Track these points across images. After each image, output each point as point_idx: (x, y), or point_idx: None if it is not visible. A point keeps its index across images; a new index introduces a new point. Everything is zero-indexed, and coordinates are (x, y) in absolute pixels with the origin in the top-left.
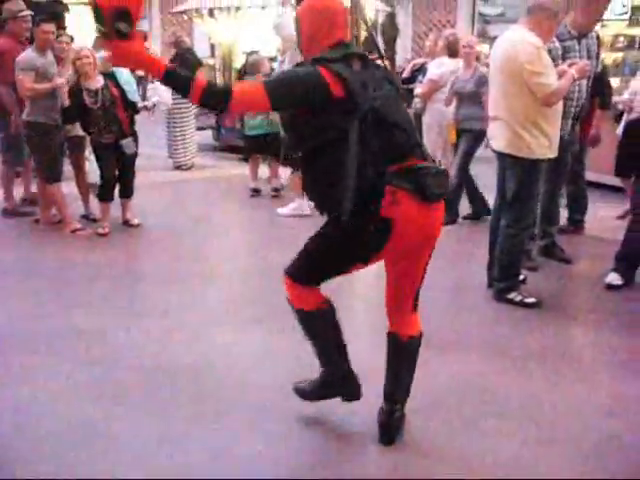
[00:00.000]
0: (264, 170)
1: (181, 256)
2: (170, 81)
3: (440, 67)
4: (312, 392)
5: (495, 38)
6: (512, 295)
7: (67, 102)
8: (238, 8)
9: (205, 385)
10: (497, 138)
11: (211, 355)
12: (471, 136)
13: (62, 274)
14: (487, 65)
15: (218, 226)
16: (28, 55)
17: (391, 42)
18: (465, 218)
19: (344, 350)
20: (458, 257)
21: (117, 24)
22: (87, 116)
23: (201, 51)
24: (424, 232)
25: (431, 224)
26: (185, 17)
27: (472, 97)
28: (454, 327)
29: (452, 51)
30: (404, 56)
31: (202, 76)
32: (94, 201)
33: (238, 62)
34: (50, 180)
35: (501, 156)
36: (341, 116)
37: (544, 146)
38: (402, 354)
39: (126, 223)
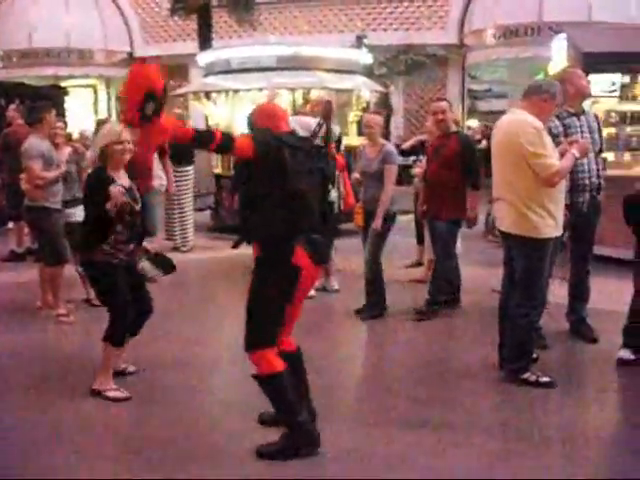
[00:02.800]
0: None
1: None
2: (198, 137)
3: None
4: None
5: (484, 113)
6: (526, 375)
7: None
8: (236, 91)
9: None
10: (502, 218)
11: None
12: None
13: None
14: (479, 140)
15: (225, 308)
16: (35, 142)
17: (385, 120)
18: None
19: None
20: (465, 339)
21: (146, 107)
22: (116, 220)
23: None
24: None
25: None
26: (182, 100)
27: (379, 177)
28: (467, 410)
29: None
30: (396, 133)
31: (217, 134)
32: None
33: None
34: (49, 263)
35: (507, 236)
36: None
37: (550, 225)
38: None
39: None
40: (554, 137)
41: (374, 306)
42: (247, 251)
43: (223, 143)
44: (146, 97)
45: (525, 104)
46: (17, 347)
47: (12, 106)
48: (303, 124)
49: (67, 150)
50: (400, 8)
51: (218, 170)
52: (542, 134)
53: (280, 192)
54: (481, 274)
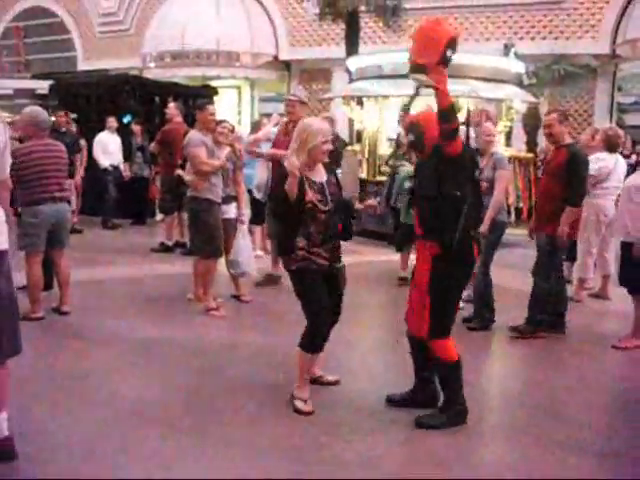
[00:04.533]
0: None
1: None
2: (452, 107)
3: (598, 162)
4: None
5: (632, 127)
6: None
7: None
8: (386, 96)
9: None
10: None
11: None
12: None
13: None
14: (628, 155)
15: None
16: (197, 134)
17: (533, 132)
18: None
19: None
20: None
21: (448, 51)
22: (311, 221)
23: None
24: None
25: None
26: (332, 103)
27: (491, 185)
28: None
29: (611, 146)
30: (539, 148)
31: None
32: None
33: (382, 149)
34: (209, 256)
35: None
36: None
37: None
38: None
39: None
40: None
41: (483, 317)
42: (391, 257)
43: (456, 128)
44: (450, 41)
45: None
46: (169, 338)
47: (172, 104)
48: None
49: (227, 149)
50: (549, 16)
51: (363, 174)
52: None
53: (469, 193)
54: None
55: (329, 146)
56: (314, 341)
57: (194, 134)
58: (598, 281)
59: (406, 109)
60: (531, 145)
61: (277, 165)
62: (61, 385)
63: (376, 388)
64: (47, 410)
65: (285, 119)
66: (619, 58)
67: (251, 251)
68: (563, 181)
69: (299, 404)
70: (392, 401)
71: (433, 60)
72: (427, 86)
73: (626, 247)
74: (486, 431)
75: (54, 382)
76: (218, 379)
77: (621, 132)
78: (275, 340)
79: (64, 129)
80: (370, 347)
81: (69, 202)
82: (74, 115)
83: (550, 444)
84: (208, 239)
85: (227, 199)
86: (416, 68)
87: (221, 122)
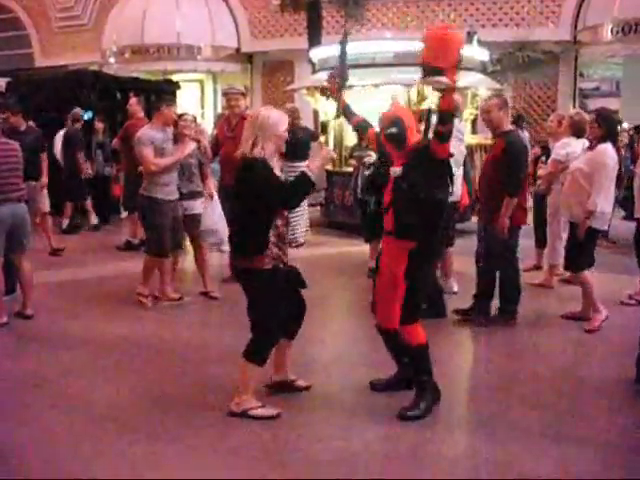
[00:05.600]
0: None
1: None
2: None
3: (565, 147)
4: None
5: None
6: None
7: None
8: (351, 86)
9: None
10: None
11: None
12: None
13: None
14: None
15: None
16: (148, 131)
17: None
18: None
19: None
20: (606, 347)
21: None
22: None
23: None
24: None
25: None
26: (295, 94)
27: None
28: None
29: (578, 131)
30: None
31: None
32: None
33: (348, 140)
34: (157, 255)
35: None
36: None
37: None
38: None
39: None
40: None
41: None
42: (358, 248)
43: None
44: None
45: None
46: (136, 339)
47: (133, 99)
48: None
49: (193, 145)
50: (510, 3)
51: (329, 166)
52: None
53: (441, 196)
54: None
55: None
56: (264, 353)
57: (143, 132)
58: None
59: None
60: None
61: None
62: (24, 391)
63: (352, 383)
64: (9, 417)
65: (227, 112)
66: (580, 44)
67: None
68: (502, 170)
69: (260, 411)
70: (376, 388)
71: (451, 63)
72: (439, 89)
73: (573, 227)
74: (466, 423)
75: (17, 388)
76: (187, 381)
77: (587, 117)
78: (244, 339)
79: (23, 127)
80: (345, 341)
81: (27, 202)
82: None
83: (529, 434)
84: (155, 238)
85: (191, 194)
86: (435, 71)
87: (181, 115)
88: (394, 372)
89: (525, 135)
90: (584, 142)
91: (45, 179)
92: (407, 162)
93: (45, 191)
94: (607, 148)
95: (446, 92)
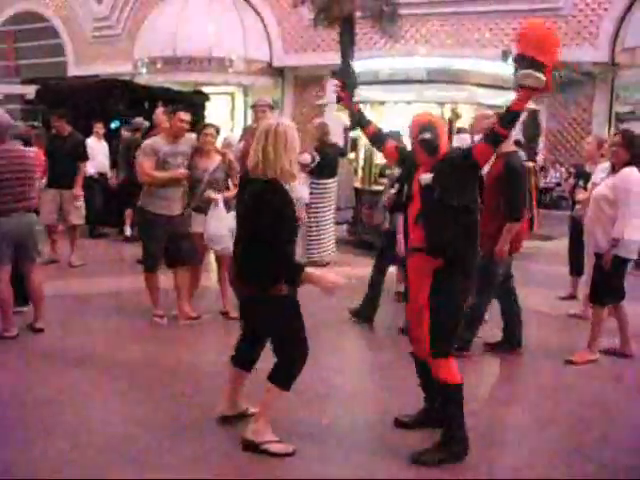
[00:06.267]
0: None
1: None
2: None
3: (606, 172)
4: None
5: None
6: None
7: None
8: (382, 102)
9: None
10: None
11: None
12: None
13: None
14: None
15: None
16: (152, 141)
17: (534, 139)
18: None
19: None
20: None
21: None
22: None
23: None
24: None
25: None
26: (325, 109)
27: None
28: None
29: None
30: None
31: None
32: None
33: (378, 157)
34: (145, 269)
35: None
36: None
37: None
38: None
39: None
40: None
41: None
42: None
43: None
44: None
45: None
46: (149, 359)
47: (159, 109)
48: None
49: (217, 158)
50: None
51: (358, 184)
52: None
53: (473, 206)
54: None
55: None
56: (292, 378)
57: (149, 141)
58: None
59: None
60: (531, 153)
61: None
62: (22, 411)
63: (374, 417)
64: (3, 441)
65: (254, 125)
66: (618, 66)
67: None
68: (501, 194)
69: (277, 447)
70: (402, 424)
71: (552, 61)
72: (529, 87)
73: (599, 258)
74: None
75: (14, 407)
76: (201, 409)
77: None
78: (262, 365)
79: (66, 132)
80: (369, 369)
81: (37, 212)
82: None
83: None
84: (145, 253)
85: (203, 210)
86: (535, 65)
87: (205, 126)
88: (422, 407)
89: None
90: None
91: (79, 190)
92: (438, 169)
93: (79, 203)
94: (632, 172)
95: (530, 92)
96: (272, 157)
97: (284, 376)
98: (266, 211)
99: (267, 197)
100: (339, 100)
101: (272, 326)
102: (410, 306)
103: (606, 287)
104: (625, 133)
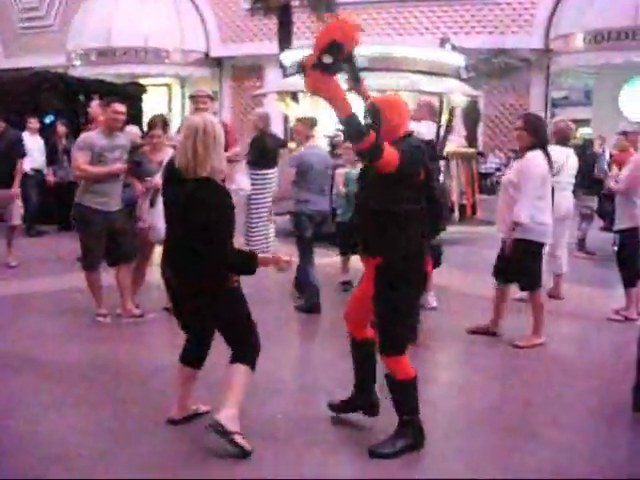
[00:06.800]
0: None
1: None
2: (353, 121)
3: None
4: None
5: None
6: None
7: None
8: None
9: None
10: None
11: None
12: None
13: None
14: None
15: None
16: (89, 135)
17: (473, 126)
18: None
19: None
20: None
21: (324, 56)
22: None
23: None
24: None
25: None
26: (264, 99)
27: None
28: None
29: (563, 138)
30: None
31: (373, 134)
32: None
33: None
34: (84, 267)
35: None
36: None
37: None
38: None
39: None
40: None
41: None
42: (330, 259)
43: (376, 145)
44: (330, 46)
45: None
46: (93, 361)
47: (95, 102)
48: (417, 132)
49: (170, 151)
50: (484, 11)
51: None
52: None
53: (418, 206)
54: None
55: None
56: (256, 360)
57: (84, 136)
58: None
59: None
60: (471, 140)
61: None
62: None
63: (323, 410)
64: None
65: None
66: (553, 52)
67: None
68: None
69: (242, 441)
70: (333, 407)
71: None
72: None
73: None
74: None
75: None
76: (150, 413)
77: (572, 124)
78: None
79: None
80: (316, 364)
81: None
82: None
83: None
84: (84, 250)
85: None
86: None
87: (150, 127)
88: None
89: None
90: (569, 150)
91: (17, 188)
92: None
93: (18, 202)
94: (536, 156)
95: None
96: (202, 156)
97: (249, 355)
98: (206, 211)
99: (204, 197)
100: (350, 89)
101: (229, 317)
102: (358, 289)
103: (532, 272)
104: (527, 117)
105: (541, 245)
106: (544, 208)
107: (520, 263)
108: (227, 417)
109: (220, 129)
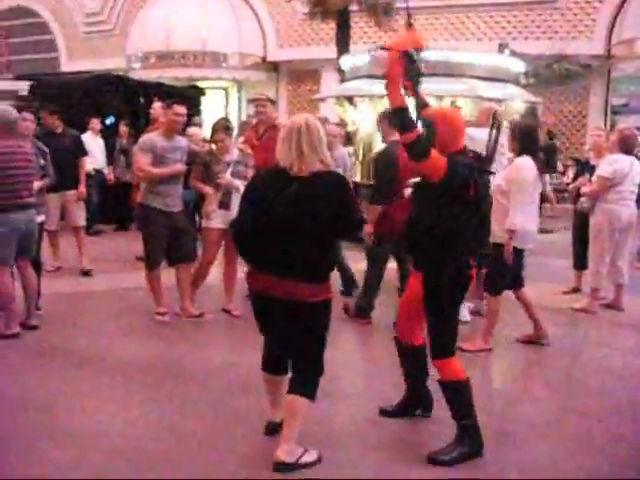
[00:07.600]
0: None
1: None
2: (405, 113)
3: (613, 164)
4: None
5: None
6: None
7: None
8: (382, 96)
9: None
10: None
11: None
12: None
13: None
14: None
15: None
16: (149, 137)
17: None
18: None
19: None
20: None
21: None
22: None
23: None
24: None
25: None
26: (322, 103)
27: None
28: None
29: (627, 146)
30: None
31: (419, 128)
32: None
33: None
34: (147, 266)
35: None
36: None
37: None
38: None
39: None
40: None
41: None
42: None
43: (424, 140)
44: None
45: None
46: (152, 359)
47: (157, 103)
48: (475, 137)
49: (235, 151)
50: (543, 16)
51: (357, 178)
52: None
53: (468, 223)
54: None
55: None
56: (318, 383)
57: (145, 137)
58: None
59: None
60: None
61: None
62: (20, 415)
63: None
64: (3, 448)
65: (254, 120)
66: (614, 58)
67: None
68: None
69: (308, 457)
70: (385, 412)
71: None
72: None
73: (496, 248)
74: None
75: (12, 410)
76: (209, 411)
77: (637, 132)
78: None
79: (60, 129)
80: (372, 366)
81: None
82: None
83: None
84: (146, 250)
85: (226, 206)
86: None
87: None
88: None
89: None
90: (633, 159)
91: (83, 189)
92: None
93: (82, 203)
94: (524, 162)
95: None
96: (308, 154)
97: (311, 387)
98: (325, 200)
99: (319, 189)
100: (405, 89)
101: (320, 332)
102: (405, 295)
103: (501, 277)
104: (515, 124)
105: (520, 251)
106: (529, 215)
107: (495, 266)
108: (286, 452)
109: (321, 127)
